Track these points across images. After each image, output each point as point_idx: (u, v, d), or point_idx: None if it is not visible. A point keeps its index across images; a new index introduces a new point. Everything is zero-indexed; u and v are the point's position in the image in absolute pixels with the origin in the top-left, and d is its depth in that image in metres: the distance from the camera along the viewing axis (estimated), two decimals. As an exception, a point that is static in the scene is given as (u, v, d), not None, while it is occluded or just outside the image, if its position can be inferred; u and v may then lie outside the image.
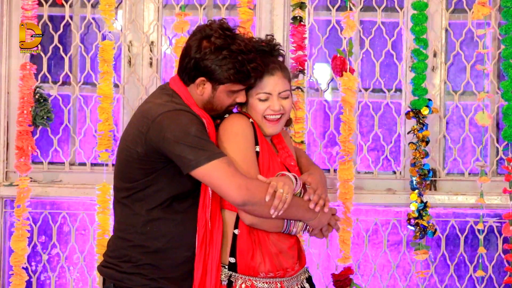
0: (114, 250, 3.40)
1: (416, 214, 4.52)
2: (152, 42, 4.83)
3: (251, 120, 3.40)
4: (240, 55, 3.27)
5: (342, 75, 4.51)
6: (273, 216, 3.26)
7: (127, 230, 3.34)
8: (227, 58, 3.28)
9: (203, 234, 3.31)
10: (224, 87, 3.32)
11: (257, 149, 3.36)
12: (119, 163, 3.38)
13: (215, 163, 3.16)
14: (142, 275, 3.32)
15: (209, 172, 3.16)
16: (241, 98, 3.39)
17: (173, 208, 3.32)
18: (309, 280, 3.53)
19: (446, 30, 4.80)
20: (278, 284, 3.39)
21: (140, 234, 3.32)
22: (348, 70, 4.52)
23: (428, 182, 4.57)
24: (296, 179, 3.34)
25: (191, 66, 3.30)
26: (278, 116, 3.41)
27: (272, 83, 3.38)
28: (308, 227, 3.42)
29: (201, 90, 3.33)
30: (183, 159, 3.17)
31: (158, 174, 3.28)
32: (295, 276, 3.45)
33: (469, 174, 4.77)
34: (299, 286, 3.46)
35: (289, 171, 3.40)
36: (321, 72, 4.88)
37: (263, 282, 3.37)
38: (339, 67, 4.49)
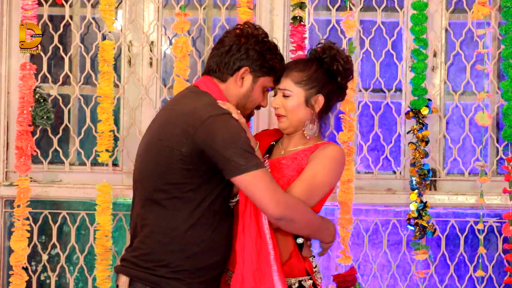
0: (150, 253, 3.28)
1: (416, 214, 4.52)
2: (152, 42, 4.84)
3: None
4: (278, 50, 3.46)
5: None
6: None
7: (168, 234, 3.25)
8: (271, 49, 3.42)
9: (257, 230, 3.31)
10: (263, 80, 3.41)
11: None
12: (155, 164, 3.26)
13: (261, 173, 3.17)
14: (179, 280, 3.26)
15: (254, 181, 3.15)
16: (265, 101, 3.50)
17: (212, 212, 3.27)
18: None
19: (446, 30, 4.80)
20: None
21: (181, 239, 3.25)
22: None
23: (428, 182, 4.57)
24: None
25: (239, 55, 3.37)
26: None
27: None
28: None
29: (241, 82, 3.39)
30: (232, 163, 3.14)
31: (200, 176, 3.23)
32: None
33: (469, 174, 4.77)
34: None
35: None
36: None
37: None
38: None
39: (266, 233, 3.31)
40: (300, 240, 3.43)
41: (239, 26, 3.47)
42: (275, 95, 3.52)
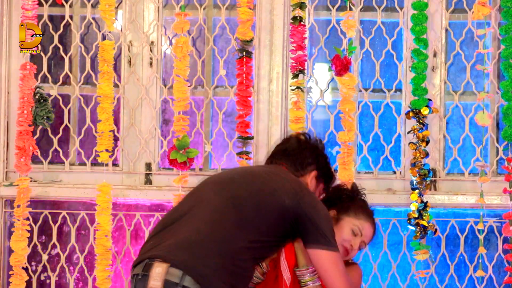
0: (200, 246, 3.27)
1: (416, 214, 4.52)
2: (152, 42, 4.84)
3: None
4: None
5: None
6: None
7: (230, 239, 3.28)
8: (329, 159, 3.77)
9: None
10: (321, 186, 3.68)
11: None
12: (255, 213, 3.35)
13: (340, 256, 3.43)
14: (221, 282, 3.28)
15: (335, 260, 3.38)
16: None
17: (261, 254, 3.39)
18: None
19: (446, 30, 4.80)
20: None
21: (233, 251, 3.27)
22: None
23: (428, 182, 4.56)
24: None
25: (311, 158, 3.64)
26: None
27: (370, 232, 3.77)
28: None
29: (310, 183, 3.62)
30: (323, 236, 3.35)
31: (278, 228, 3.36)
32: None
33: (469, 174, 4.76)
34: None
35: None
36: (321, 72, 4.88)
37: None
38: (347, 66, 4.52)
39: None
40: None
41: (300, 133, 3.81)
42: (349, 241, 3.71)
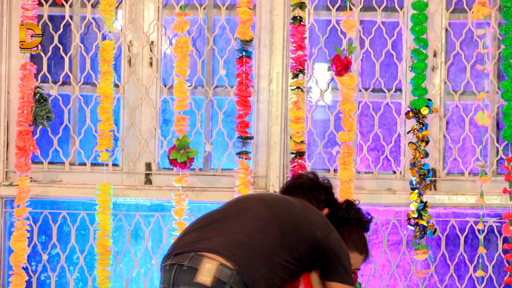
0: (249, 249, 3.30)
1: (416, 214, 4.52)
2: (152, 42, 4.84)
3: None
4: None
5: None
6: None
7: (271, 251, 3.31)
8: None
9: None
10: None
11: None
12: (293, 236, 3.39)
13: None
14: None
15: None
16: None
17: (290, 277, 3.43)
18: None
19: (446, 30, 4.80)
20: None
21: (270, 263, 3.31)
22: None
23: (428, 182, 4.57)
24: None
25: (325, 195, 3.75)
26: None
27: (360, 261, 3.84)
28: None
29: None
30: (343, 269, 3.48)
31: (306, 264, 3.42)
32: None
33: (469, 174, 4.76)
34: None
35: None
36: (321, 72, 4.88)
37: None
38: (348, 66, 4.53)
39: None
40: None
41: (309, 172, 3.94)
42: None
